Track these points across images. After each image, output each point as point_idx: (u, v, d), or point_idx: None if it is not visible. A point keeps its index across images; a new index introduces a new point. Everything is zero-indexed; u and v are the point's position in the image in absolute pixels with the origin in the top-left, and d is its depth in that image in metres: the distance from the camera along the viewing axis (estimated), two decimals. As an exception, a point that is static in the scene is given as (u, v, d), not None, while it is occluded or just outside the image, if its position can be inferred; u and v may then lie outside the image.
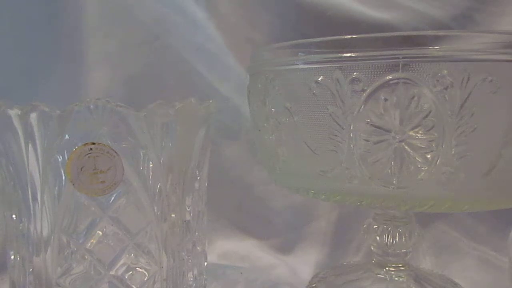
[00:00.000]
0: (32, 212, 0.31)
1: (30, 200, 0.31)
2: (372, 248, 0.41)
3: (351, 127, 0.31)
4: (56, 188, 0.31)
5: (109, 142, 0.30)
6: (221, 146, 0.57)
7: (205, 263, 0.39)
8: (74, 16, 0.54)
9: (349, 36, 0.33)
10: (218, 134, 0.56)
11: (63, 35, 0.54)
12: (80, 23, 0.54)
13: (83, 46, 0.55)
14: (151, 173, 0.32)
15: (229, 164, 0.57)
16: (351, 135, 0.31)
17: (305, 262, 0.54)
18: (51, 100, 0.31)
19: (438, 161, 0.29)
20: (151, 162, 0.32)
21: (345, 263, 0.52)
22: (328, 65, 0.31)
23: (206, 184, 0.39)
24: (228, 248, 0.57)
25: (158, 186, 0.32)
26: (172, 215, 0.33)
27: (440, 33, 0.33)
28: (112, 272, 0.33)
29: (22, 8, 0.53)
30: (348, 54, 0.31)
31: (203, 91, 0.56)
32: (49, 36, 0.54)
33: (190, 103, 0.33)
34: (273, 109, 0.36)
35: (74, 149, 0.29)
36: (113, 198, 0.32)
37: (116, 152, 0.30)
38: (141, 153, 0.31)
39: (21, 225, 0.32)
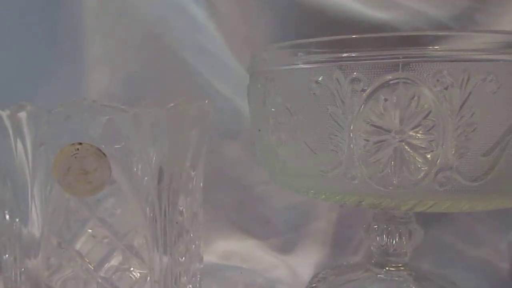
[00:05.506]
0: (23, 212, 0.31)
1: (21, 201, 0.31)
2: (372, 248, 0.41)
3: (351, 127, 0.31)
4: (48, 188, 0.31)
5: (99, 143, 0.29)
6: (221, 146, 0.57)
7: (200, 265, 0.38)
8: (74, 16, 0.54)
9: (349, 36, 0.33)
10: (218, 134, 0.56)
11: (63, 35, 0.54)
12: (80, 23, 0.54)
13: (83, 46, 0.55)
14: (142, 174, 0.31)
15: (229, 164, 0.57)
16: (351, 135, 0.31)
17: (305, 262, 0.54)
18: (51, 100, 0.31)
19: (438, 161, 0.29)
20: (142, 163, 0.31)
21: (345, 263, 0.52)
22: (328, 65, 0.31)
23: (201, 185, 0.38)
24: (228, 248, 0.57)
25: (150, 187, 0.32)
26: (164, 217, 0.33)
27: (440, 33, 0.33)
28: (101, 274, 0.32)
29: (22, 8, 0.53)
30: (348, 54, 0.31)
31: (203, 91, 0.56)
32: (49, 36, 0.54)
33: (182, 103, 0.33)
34: (273, 109, 0.36)
35: (60, 150, 0.29)
36: (102, 199, 0.32)
37: (103, 153, 0.29)
38: (132, 154, 0.31)
39: (14, 225, 0.32)
